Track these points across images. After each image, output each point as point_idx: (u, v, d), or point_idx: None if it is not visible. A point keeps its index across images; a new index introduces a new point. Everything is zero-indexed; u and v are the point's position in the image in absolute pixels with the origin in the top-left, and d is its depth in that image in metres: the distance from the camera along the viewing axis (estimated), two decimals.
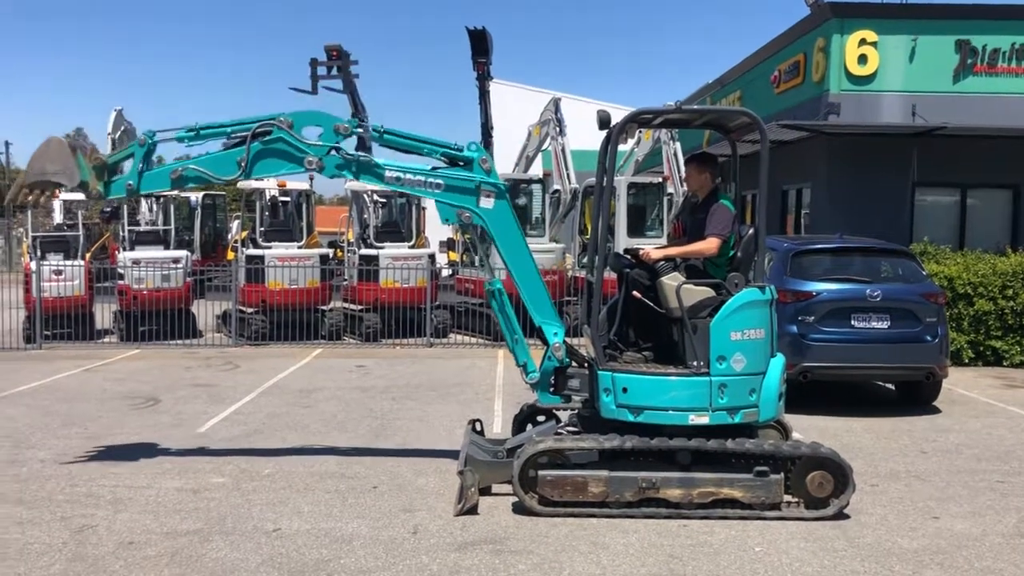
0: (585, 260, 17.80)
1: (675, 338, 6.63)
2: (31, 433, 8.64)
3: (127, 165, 7.39)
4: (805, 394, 10.02)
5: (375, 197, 17.89)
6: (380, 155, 7.39)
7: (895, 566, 5.50)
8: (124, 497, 6.65)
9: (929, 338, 9.85)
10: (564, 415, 7.35)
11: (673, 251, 6.89)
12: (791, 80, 17.56)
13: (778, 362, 6.57)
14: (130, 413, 9.61)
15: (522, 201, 17.61)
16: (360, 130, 7.14)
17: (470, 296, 16.81)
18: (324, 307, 15.73)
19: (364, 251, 16.06)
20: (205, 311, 16.08)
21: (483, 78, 21.44)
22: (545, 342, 6.83)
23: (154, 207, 20.93)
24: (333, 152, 6.90)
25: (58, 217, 19.62)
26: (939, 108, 15.42)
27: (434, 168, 6.91)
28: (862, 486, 7.06)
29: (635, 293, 6.72)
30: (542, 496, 6.26)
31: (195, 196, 26.09)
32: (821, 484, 6.28)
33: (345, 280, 16.98)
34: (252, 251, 15.52)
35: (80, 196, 19.86)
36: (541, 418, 7.44)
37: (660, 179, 17.08)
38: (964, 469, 7.71)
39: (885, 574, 5.37)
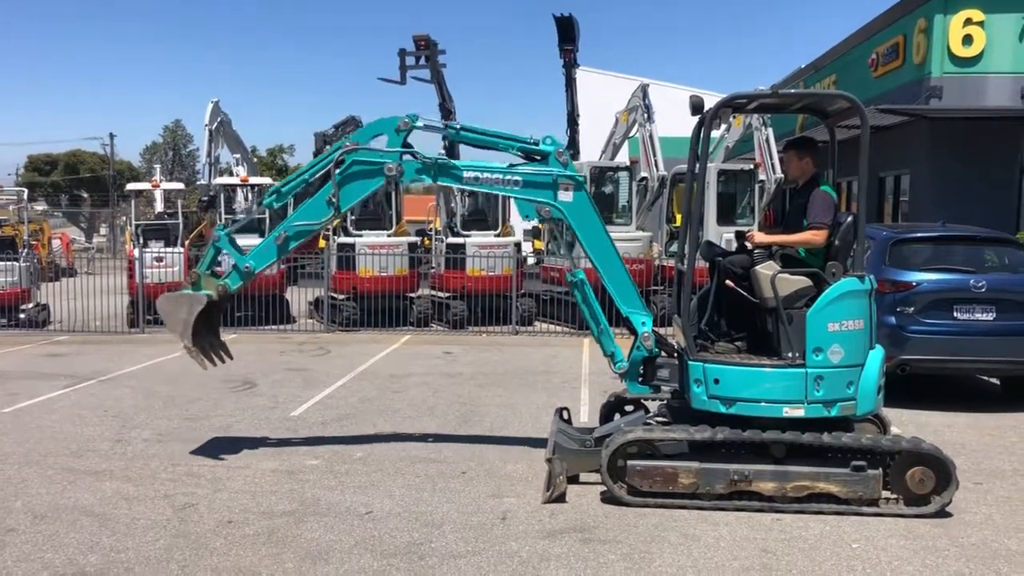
0: (674, 249, 17.61)
1: (769, 328, 6.47)
2: (135, 413, 9.01)
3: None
4: (904, 387, 9.69)
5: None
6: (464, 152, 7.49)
7: (1003, 568, 5.27)
8: (223, 477, 6.87)
9: None
10: (652, 405, 7.28)
11: (781, 239, 6.66)
12: (890, 63, 16.95)
13: (877, 354, 6.35)
14: (227, 395, 9.93)
15: (609, 189, 17.49)
16: (419, 124, 7.13)
17: (555, 284, 16.79)
18: (412, 294, 15.95)
19: (451, 239, 16.21)
20: (298, 297, 16.49)
21: (570, 65, 21.28)
22: (633, 332, 6.76)
23: (249, 196, 21.51)
24: (409, 158, 6.97)
25: (159, 206, 20.37)
26: None
27: (511, 165, 6.90)
28: (965, 484, 6.77)
29: (728, 282, 6.58)
30: (631, 486, 6.22)
31: None
32: (922, 480, 6.06)
33: (432, 268, 17.18)
34: (344, 239, 15.83)
35: (179, 185, 20.66)
36: (629, 408, 7.37)
37: (752, 166, 16.73)
38: None
39: None
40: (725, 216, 16.35)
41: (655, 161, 16.89)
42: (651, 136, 17.12)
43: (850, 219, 6.47)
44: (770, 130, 16.91)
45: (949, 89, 15.05)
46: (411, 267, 15.83)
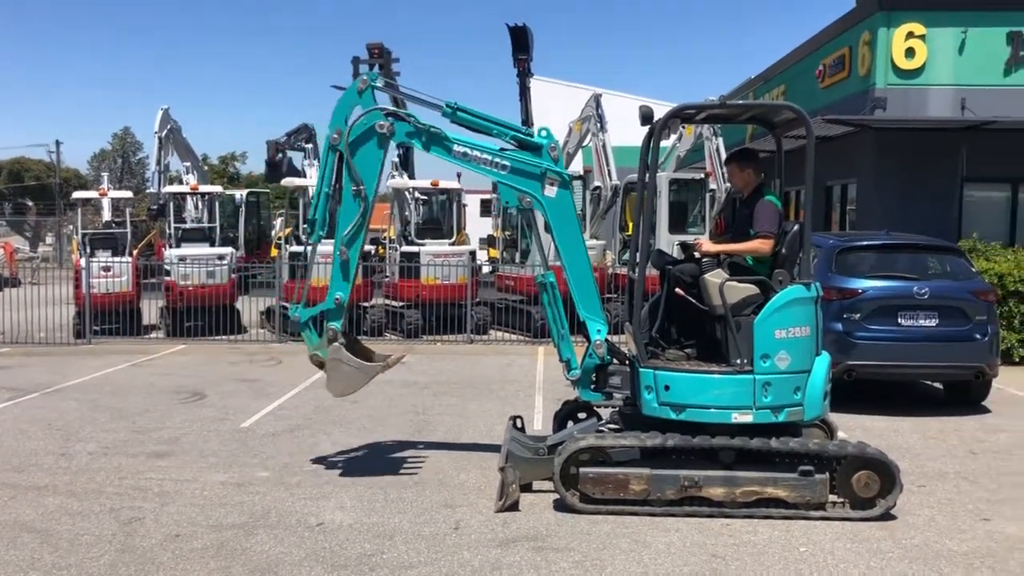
0: (627, 257, 17.74)
1: (718, 336, 6.56)
2: (81, 426, 8.83)
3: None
4: (850, 393, 9.87)
5: (416, 194, 17.99)
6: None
7: (944, 569, 5.39)
8: (171, 490, 6.76)
9: (979, 336, 9.65)
10: (605, 412, 7.32)
11: (728, 247, 6.79)
12: (836, 74, 17.30)
13: (824, 360, 6.48)
14: (176, 407, 9.77)
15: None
16: (378, 83, 7.03)
17: (510, 293, 16.83)
18: (366, 304, 15.84)
19: (405, 248, 16.16)
20: (249, 307, 16.29)
21: (524, 75, 21.45)
22: (588, 338, 6.81)
23: (199, 205, 21.25)
24: (399, 119, 6.85)
25: (107, 215, 19.98)
26: (989, 102, 15.09)
27: (502, 149, 6.86)
28: (909, 487, 6.93)
29: (678, 290, 6.67)
30: (583, 493, 6.25)
31: (239, 194, 26.46)
32: (867, 484, 6.18)
33: (386, 277, 17.10)
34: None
35: (128, 194, 20.30)
36: (582, 415, 7.41)
37: (702, 175, 16.94)
38: (1015, 470, 7.54)
39: None
40: (677, 225, 16.50)
41: (608, 170, 17.03)
42: (604, 145, 17.26)
43: (796, 228, 6.60)
44: (720, 140, 17.14)
45: (893, 100, 15.41)
46: (365, 276, 15.73)
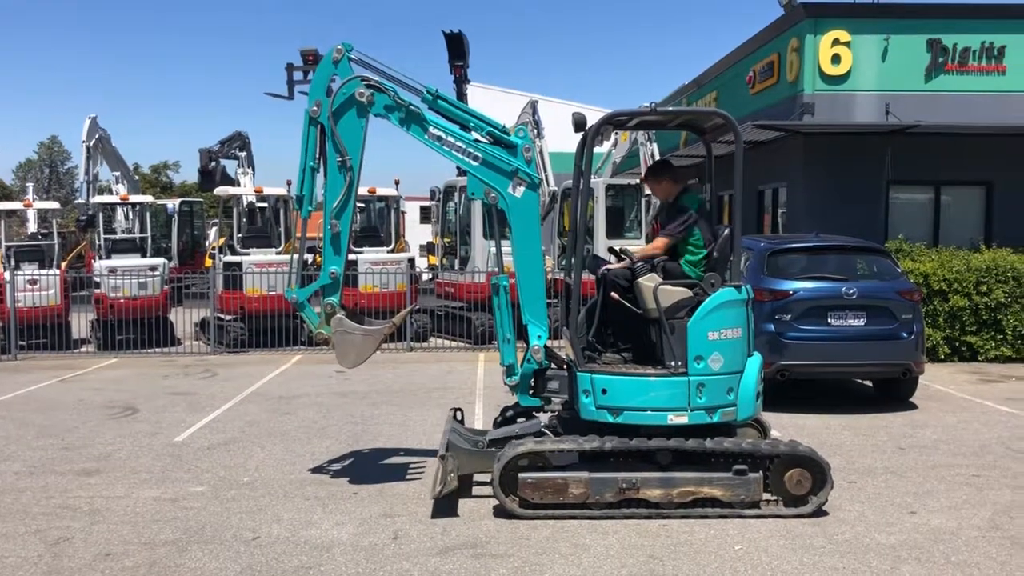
0: (564, 262, 17.85)
1: (653, 339, 6.65)
2: (5, 445, 8.54)
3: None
4: (783, 392, 10.08)
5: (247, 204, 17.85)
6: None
7: (873, 562, 5.54)
8: (101, 508, 6.59)
9: (905, 335, 9.94)
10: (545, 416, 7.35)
11: (640, 251, 7.06)
12: (766, 80, 17.68)
13: (755, 361, 6.62)
14: (107, 423, 9.52)
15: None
16: (353, 55, 6.91)
17: (450, 300, 16.79)
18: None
19: (229, 258, 15.91)
20: (183, 319, 15.97)
21: (460, 81, 21.45)
22: (527, 342, 6.83)
23: (130, 215, 20.80)
24: (379, 91, 6.75)
25: (32, 226, 19.43)
26: (912, 107, 15.57)
27: (477, 141, 6.83)
28: (840, 483, 7.11)
29: (613, 295, 6.75)
30: (523, 499, 6.27)
31: (172, 203, 25.95)
32: (799, 482, 6.33)
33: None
34: (230, 258, 15.44)
35: (55, 205, 19.78)
36: (521, 420, 7.42)
37: (638, 180, 17.14)
38: (941, 464, 7.78)
39: (863, 570, 5.41)
40: (614, 230, 16.67)
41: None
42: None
43: (727, 231, 6.73)
44: (655, 146, 17.40)
45: (821, 105, 15.80)
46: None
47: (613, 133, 18.54)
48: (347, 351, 7.01)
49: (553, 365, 6.89)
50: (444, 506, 6.48)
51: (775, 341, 9.80)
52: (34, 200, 18.67)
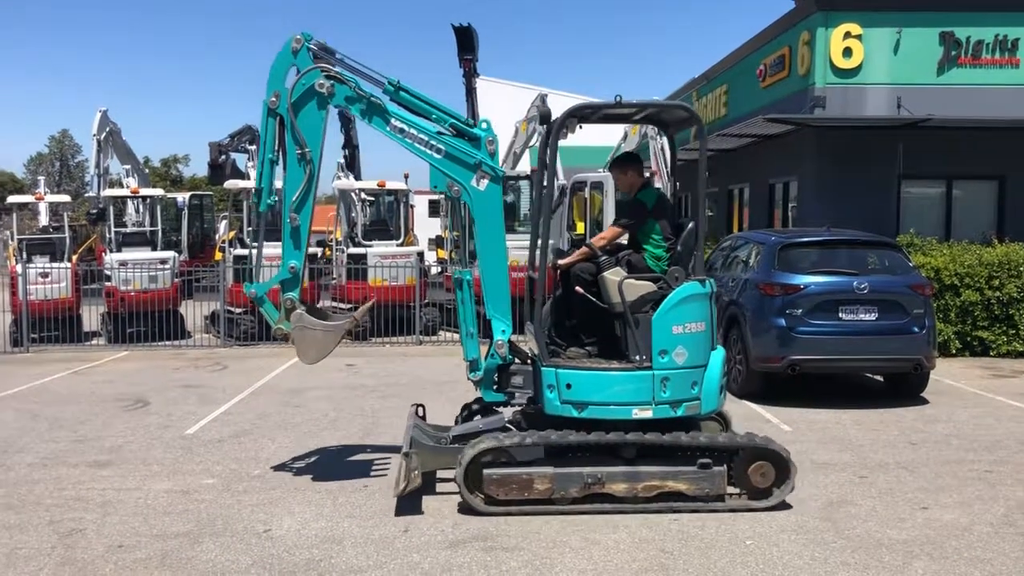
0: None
1: (618, 333, 6.65)
2: (19, 437, 8.59)
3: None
4: (793, 387, 10.07)
5: (363, 196, 17.87)
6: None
7: (885, 557, 5.52)
8: (113, 500, 6.62)
9: (916, 329, 9.90)
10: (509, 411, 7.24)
11: (592, 241, 7.03)
12: (777, 74, 17.60)
13: (719, 355, 6.62)
14: (119, 415, 9.57)
15: (510, 198, 17.60)
16: (312, 44, 6.81)
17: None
18: (372, 305, 15.68)
19: (352, 250, 16.03)
20: (193, 312, 16.02)
21: (469, 75, 21.44)
22: (491, 337, 6.77)
23: (140, 208, 20.85)
24: (338, 82, 6.67)
25: (44, 219, 19.49)
26: (924, 100, 15.48)
27: (440, 134, 6.75)
28: (851, 478, 7.11)
29: (578, 289, 6.75)
30: (487, 495, 6.23)
31: (182, 197, 26.01)
32: (763, 475, 6.34)
33: (334, 279, 16.95)
34: (240, 251, 15.48)
35: (66, 198, 19.83)
36: (484, 416, 7.25)
37: (648, 174, 17.07)
38: (952, 459, 7.75)
39: (875, 565, 5.39)
40: None
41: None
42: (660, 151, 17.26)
43: (691, 225, 6.73)
44: (665, 139, 17.27)
45: (832, 99, 15.73)
46: (311, 278, 15.58)
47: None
48: (308, 347, 6.97)
49: (517, 360, 6.83)
50: (407, 505, 6.42)
51: (786, 335, 9.78)
52: (45, 193, 18.68)
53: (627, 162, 7.19)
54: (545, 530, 5.94)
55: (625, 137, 18.02)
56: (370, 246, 16.07)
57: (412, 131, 6.70)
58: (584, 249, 6.90)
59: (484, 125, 6.76)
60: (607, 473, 6.22)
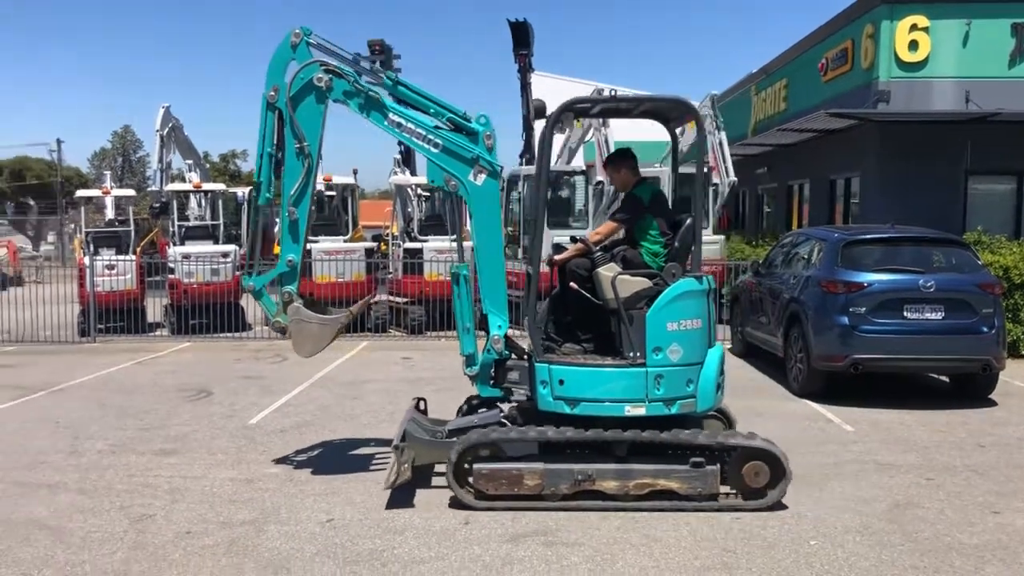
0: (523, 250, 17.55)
1: (613, 329, 6.58)
2: (89, 424, 8.84)
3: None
4: (855, 386, 9.89)
5: (418, 191, 17.97)
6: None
7: (955, 561, 5.39)
8: (180, 487, 6.77)
9: (985, 329, 9.64)
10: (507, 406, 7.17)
11: (589, 236, 6.96)
12: (839, 68, 17.28)
13: (716, 352, 6.52)
14: (183, 405, 9.78)
15: (565, 193, 17.55)
16: (311, 38, 6.83)
17: (513, 289, 16.78)
18: (370, 300, 15.84)
19: (408, 244, 16.14)
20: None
21: (524, 70, 21.38)
22: (487, 332, 6.73)
23: (202, 202, 21.26)
24: (337, 76, 6.67)
25: (110, 213, 19.99)
26: (994, 94, 15.08)
27: (437, 128, 6.74)
28: (918, 480, 6.96)
29: (572, 284, 6.70)
30: (478, 490, 6.22)
31: (241, 191, 26.43)
32: (757, 475, 6.23)
33: (390, 273, 17.09)
34: None
35: (131, 192, 20.31)
36: (484, 410, 7.23)
37: (705, 169, 16.90)
38: None
39: (945, 569, 5.27)
40: None
41: (726, 167, 16.90)
42: (606, 141, 17.20)
43: (689, 221, 6.65)
44: (723, 134, 17.10)
45: (897, 93, 15.40)
46: (368, 273, 15.75)
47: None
48: (304, 340, 7.04)
49: (513, 355, 6.79)
50: (399, 497, 6.44)
51: (848, 334, 9.61)
52: (112, 188, 19.17)
53: (620, 159, 7.12)
54: (605, 526, 5.93)
55: (683, 131, 17.84)
56: (426, 241, 16.17)
57: (410, 125, 6.70)
58: (579, 245, 6.85)
59: (482, 120, 6.72)
60: (598, 470, 6.18)
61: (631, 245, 6.88)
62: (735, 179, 16.46)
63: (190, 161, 24.17)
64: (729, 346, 13.62)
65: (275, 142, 6.84)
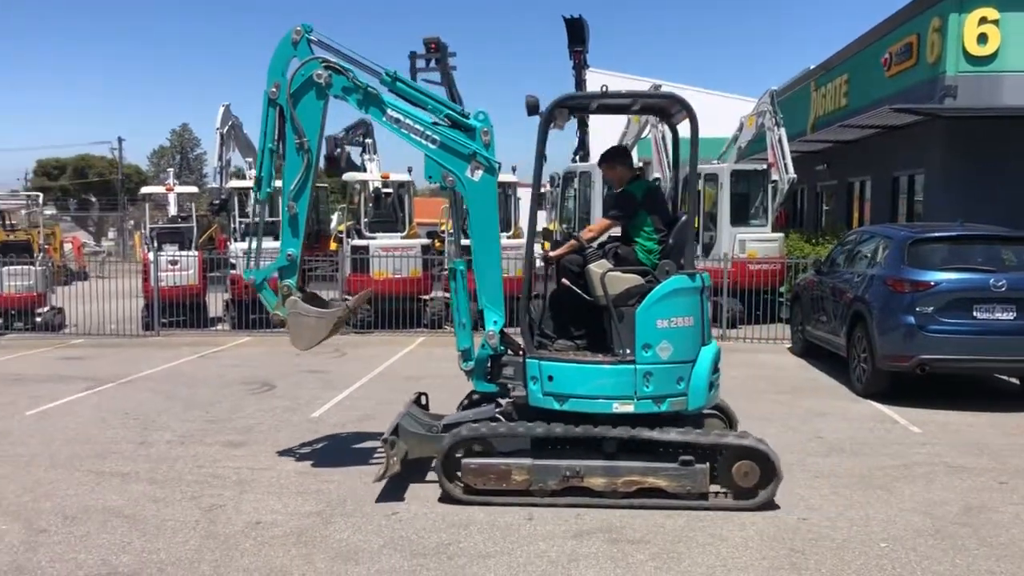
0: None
1: (605, 326, 6.54)
2: (157, 416, 9.04)
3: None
4: (923, 387, 9.69)
5: None
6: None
7: None
8: (248, 478, 6.89)
9: None
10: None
11: (582, 234, 6.97)
12: (903, 62, 16.91)
13: (710, 350, 6.42)
14: (247, 398, 9.96)
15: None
16: (312, 36, 6.91)
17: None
18: (426, 296, 15.96)
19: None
20: None
21: (579, 67, 21.32)
22: (484, 327, 6.72)
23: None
24: (337, 73, 6.76)
25: (173, 210, 20.44)
26: None
27: (435, 124, 6.75)
28: (990, 483, 6.80)
29: (564, 281, 6.68)
30: (467, 485, 6.24)
31: None
32: (747, 474, 6.15)
33: (445, 270, 17.15)
34: (358, 242, 15.86)
35: (193, 189, 20.70)
36: (486, 405, 7.23)
37: (764, 166, 16.70)
38: None
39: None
40: (739, 216, 16.34)
41: (785, 164, 16.78)
42: (663, 137, 17.08)
43: (684, 218, 6.59)
44: (783, 130, 16.84)
45: (964, 88, 15.01)
46: (424, 269, 15.86)
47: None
48: (301, 333, 7.13)
49: (509, 351, 6.76)
50: (390, 492, 6.51)
51: (915, 334, 9.41)
52: (174, 185, 19.58)
53: (615, 156, 7.10)
54: (669, 524, 5.90)
55: (741, 127, 17.68)
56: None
57: (408, 121, 6.72)
58: (573, 241, 6.86)
59: (480, 116, 6.71)
60: (586, 467, 6.16)
61: (626, 242, 6.89)
62: (795, 176, 16.20)
63: (250, 159, 24.54)
64: (788, 345, 13.49)
65: (276, 138, 6.99)
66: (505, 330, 6.73)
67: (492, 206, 6.73)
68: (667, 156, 16.83)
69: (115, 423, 8.73)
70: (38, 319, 15.67)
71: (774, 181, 16.51)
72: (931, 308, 9.42)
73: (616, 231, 7.15)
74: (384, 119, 6.78)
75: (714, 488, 6.24)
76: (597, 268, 6.51)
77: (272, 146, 7.01)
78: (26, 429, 8.50)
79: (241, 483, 6.77)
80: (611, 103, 6.94)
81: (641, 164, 17.80)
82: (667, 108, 7.17)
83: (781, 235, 16.78)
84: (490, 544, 5.55)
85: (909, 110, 15.06)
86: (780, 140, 16.61)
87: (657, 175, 17.33)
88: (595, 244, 7.07)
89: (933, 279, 9.53)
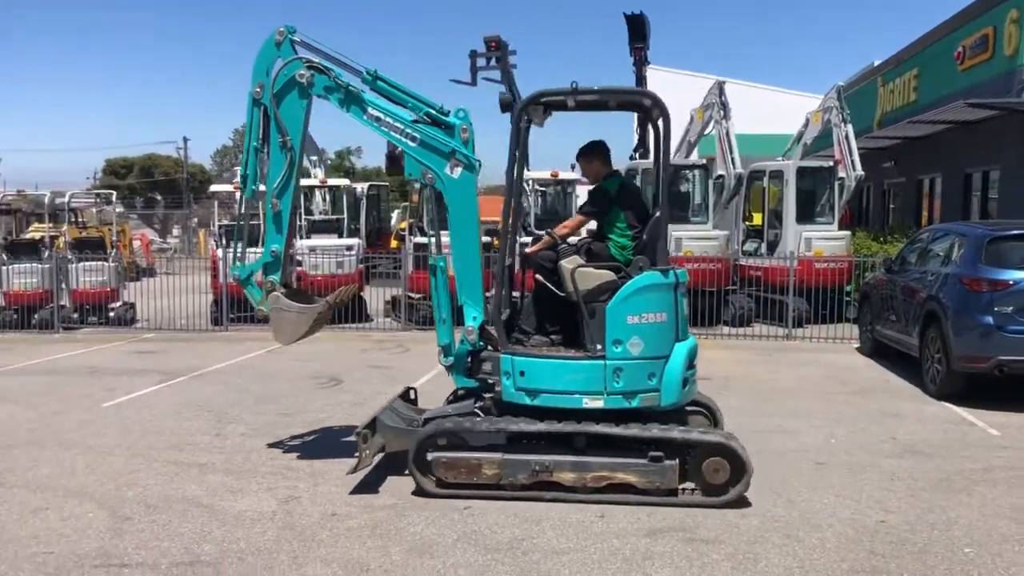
0: (748, 247, 17.27)
1: (578, 322, 6.50)
2: (230, 408, 9.23)
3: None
4: (996, 389, 9.43)
5: (534, 186, 18.03)
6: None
7: None
8: (321, 470, 6.99)
9: None
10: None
11: (556, 230, 6.95)
12: (977, 55, 16.46)
13: (684, 347, 6.33)
14: (316, 391, 10.11)
15: (684, 187, 17.31)
16: (296, 37, 7.01)
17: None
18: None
19: (524, 239, 16.18)
20: (371, 297, 16.68)
21: (640, 64, 21.20)
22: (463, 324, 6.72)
23: (326, 197, 21.90)
24: (318, 72, 6.85)
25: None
26: None
27: (415, 122, 6.78)
28: None
29: (538, 276, 6.67)
30: (438, 478, 6.25)
31: (360, 187, 27.11)
32: (717, 471, 6.07)
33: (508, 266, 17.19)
34: (420, 239, 15.97)
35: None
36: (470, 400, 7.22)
37: (831, 163, 16.41)
38: None
39: None
40: (805, 214, 16.07)
41: (732, 159, 16.66)
42: (728, 133, 16.89)
43: (658, 214, 6.53)
44: (849, 127, 16.55)
45: None
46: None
47: (805, 114, 17.81)
48: (282, 328, 7.22)
49: (488, 347, 6.72)
50: (364, 484, 6.58)
51: (993, 334, 9.15)
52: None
53: (592, 151, 7.06)
54: (744, 524, 5.83)
55: (807, 123, 17.40)
56: (541, 235, 16.19)
57: (388, 119, 6.79)
58: (547, 238, 6.86)
59: (460, 114, 6.73)
60: (555, 462, 6.15)
61: (600, 238, 6.86)
62: (862, 173, 15.89)
63: (314, 157, 24.89)
64: (856, 345, 13.23)
65: (260, 137, 7.11)
66: (486, 326, 6.76)
67: (471, 203, 6.79)
68: (729, 152, 16.65)
69: (189, 415, 8.93)
70: (111, 314, 16.11)
71: (841, 178, 16.22)
72: (1010, 308, 9.16)
73: (593, 227, 7.18)
74: (365, 117, 6.89)
75: (687, 485, 6.21)
76: (568, 264, 6.54)
77: (257, 145, 7.16)
78: (104, 420, 8.75)
79: (314, 475, 6.88)
80: (585, 99, 6.85)
81: (704, 161, 17.64)
82: (642, 104, 7.15)
83: (848, 233, 16.47)
84: (563, 540, 5.55)
85: (985, 104, 14.66)
86: (847, 136, 16.31)
87: (720, 172, 17.15)
88: (569, 240, 7.11)
89: (1012, 278, 9.26)
